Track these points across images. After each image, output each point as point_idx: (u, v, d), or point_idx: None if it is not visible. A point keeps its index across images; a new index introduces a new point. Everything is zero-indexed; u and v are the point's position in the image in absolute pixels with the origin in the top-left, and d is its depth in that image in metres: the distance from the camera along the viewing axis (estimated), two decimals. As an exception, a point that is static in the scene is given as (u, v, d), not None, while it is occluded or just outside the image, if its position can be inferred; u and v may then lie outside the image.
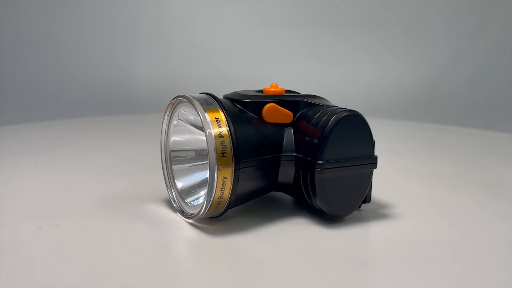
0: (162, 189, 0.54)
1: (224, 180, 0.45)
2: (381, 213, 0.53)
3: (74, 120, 1.09)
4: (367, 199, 0.52)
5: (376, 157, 0.49)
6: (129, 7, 1.42)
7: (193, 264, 0.41)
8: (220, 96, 0.51)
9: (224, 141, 0.44)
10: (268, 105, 0.49)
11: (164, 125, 0.52)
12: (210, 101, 0.47)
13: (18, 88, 1.32)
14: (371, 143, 0.49)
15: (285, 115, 0.49)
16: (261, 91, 0.52)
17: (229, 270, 0.40)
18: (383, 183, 0.61)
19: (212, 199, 0.45)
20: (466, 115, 1.28)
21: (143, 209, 0.51)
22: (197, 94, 0.48)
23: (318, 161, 0.46)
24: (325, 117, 0.47)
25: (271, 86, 0.52)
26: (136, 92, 1.34)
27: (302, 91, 0.56)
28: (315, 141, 0.47)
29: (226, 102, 0.49)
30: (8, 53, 1.33)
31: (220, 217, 0.49)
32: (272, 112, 0.49)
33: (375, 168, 0.49)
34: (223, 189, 0.45)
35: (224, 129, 0.45)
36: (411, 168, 0.74)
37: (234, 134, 0.45)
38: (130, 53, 1.42)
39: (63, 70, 1.36)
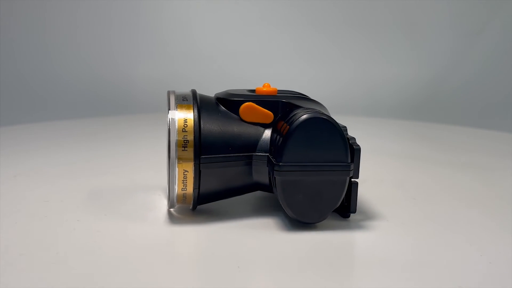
0: (162, 182, 0.57)
1: (185, 173, 0.47)
2: (362, 224, 0.49)
3: (73, 121, 1.10)
4: (351, 208, 0.49)
5: (350, 164, 0.46)
6: (128, 8, 1.42)
7: (123, 248, 0.43)
8: (211, 94, 0.53)
9: (187, 135, 0.47)
10: (244, 104, 0.49)
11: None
12: (187, 97, 0.49)
13: (16, 89, 1.33)
14: (343, 149, 0.46)
15: (264, 114, 0.49)
16: (253, 91, 0.52)
17: (144, 256, 0.42)
18: (380, 189, 0.60)
19: (175, 191, 0.47)
20: (467, 114, 1.28)
21: (137, 196, 0.55)
22: (182, 91, 0.51)
23: (278, 163, 0.45)
24: (293, 118, 0.46)
25: (263, 86, 0.52)
26: (135, 93, 1.35)
27: (300, 91, 0.55)
28: (279, 142, 0.46)
29: (208, 100, 0.50)
30: (7, 54, 1.33)
31: (197, 209, 0.51)
32: (248, 111, 0.49)
33: (349, 175, 0.46)
34: (185, 182, 0.47)
35: (190, 124, 0.47)
36: (410, 172, 0.72)
37: (198, 129, 0.47)
38: (129, 54, 1.42)
39: (61, 71, 1.37)
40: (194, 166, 0.46)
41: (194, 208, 0.50)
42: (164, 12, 1.43)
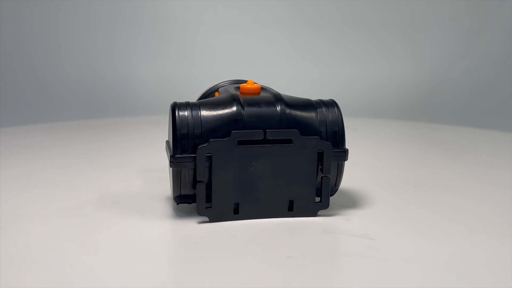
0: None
1: None
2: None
3: (72, 122, 1.07)
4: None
5: (174, 157, 0.48)
6: (128, 8, 1.38)
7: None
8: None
9: None
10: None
11: None
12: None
13: (15, 90, 1.31)
14: (171, 139, 0.49)
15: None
16: (238, 88, 0.56)
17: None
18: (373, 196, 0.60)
19: None
20: (467, 114, 1.28)
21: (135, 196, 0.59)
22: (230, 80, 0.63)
23: None
24: None
25: (247, 83, 0.55)
26: (135, 94, 1.33)
27: (300, 91, 0.57)
28: None
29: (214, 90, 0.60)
30: (6, 55, 1.31)
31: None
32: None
33: (171, 167, 0.48)
34: None
35: None
36: (409, 173, 0.71)
37: None
38: (128, 55, 1.38)
39: (62, 71, 1.35)
40: None
41: None
42: (164, 12, 1.39)
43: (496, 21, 1.35)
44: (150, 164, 0.70)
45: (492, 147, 0.90)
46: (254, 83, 0.56)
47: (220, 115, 0.49)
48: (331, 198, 0.55)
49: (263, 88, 0.55)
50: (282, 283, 0.38)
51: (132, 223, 0.50)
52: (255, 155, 0.49)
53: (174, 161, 0.48)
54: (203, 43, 1.38)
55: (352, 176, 0.61)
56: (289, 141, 0.49)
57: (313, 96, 0.55)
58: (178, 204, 0.52)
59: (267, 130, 0.49)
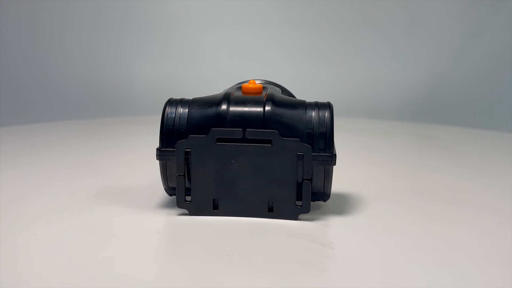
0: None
1: None
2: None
3: (74, 122, 1.09)
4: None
5: (160, 149, 0.51)
6: (129, 8, 1.39)
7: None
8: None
9: None
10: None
11: None
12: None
13: (15, 90, 1.32)
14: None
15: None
16: (240, 87, 0.57)
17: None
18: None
19: None
20: (467, 114, 1.27)
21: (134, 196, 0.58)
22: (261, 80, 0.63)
23: None
24: None
25: (249, 82, 0.56)
26: (136, 93, 1.34)
27: (298, 92, 0.58)
28: None
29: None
30: (7, 54, 1.33)
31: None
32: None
33: (157, 159, 0.51)
34: None
35: None
36: (409, 174, 0.71)
37: None
38: (129, 55, 1.39)
39: (63, 71, 1.36)
40: None
41: None
42: (166, 13, 1.40)
43: (495, 21, 1.32)
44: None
45: (491, 148, 0.89)
46: (259, 82, 0.57)
47: (206, 113, 0.51)
48: (323, 203, 0.54)
49: (265, 88, 0.55)
50: (201, 278, 0.38)
51: (115, 211, 0.52)
52: (234, 154, 0.49)
53: (159, 154, 0.51)
54: (205, 43, 1.40)
55: (352, 180, 0.59)
56: (269, 142, 0.49)
57: (310, 96, 0.54)
58: (170, 195, 0.54)
59: (247, 130, 0.49)
